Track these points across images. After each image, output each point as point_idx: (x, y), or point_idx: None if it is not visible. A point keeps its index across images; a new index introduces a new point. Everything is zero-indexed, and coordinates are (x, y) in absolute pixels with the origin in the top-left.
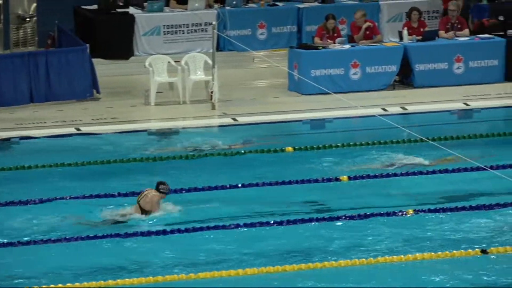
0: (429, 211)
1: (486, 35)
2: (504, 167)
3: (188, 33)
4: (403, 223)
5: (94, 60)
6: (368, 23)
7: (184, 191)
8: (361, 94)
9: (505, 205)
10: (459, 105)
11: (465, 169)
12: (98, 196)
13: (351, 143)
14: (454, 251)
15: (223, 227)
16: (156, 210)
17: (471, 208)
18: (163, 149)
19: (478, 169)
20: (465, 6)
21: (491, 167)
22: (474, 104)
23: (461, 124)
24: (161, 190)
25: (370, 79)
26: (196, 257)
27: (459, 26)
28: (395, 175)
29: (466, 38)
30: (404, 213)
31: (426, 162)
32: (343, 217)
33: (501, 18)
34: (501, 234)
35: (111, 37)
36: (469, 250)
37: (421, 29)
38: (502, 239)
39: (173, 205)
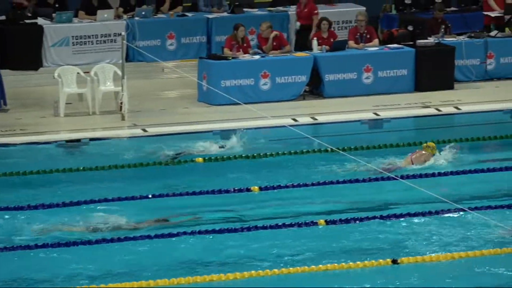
0: (340, 221)
1: (396, 45)
2: (414, 176)
3: (97, 44)
4: (315, 234)
5: (2, 71)
6: (275, 33)
7: (94, 202)
8: (271, 105)
9: (415, 215)
10: (369, 115)
11: (376, 179)
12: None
13: (261, 154)
14: (365, 261)
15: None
16: None
17: (381, 217)
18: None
19: (388, 178)
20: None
21: (402, 177)
22: (384, 114)
23: (371, 134)
24: None
25: (280, 90)
26: None
27: (368, 36)
28: (306, 185)
29: (376, 48)
30: (316, 223)
31: (339, 171)
32: (252, 228)
33: (410, 28)
34: (411, 244)
35: (19, 48)
36: (380, 260)
37: (331, 40)
38: (412, 249)
39: None
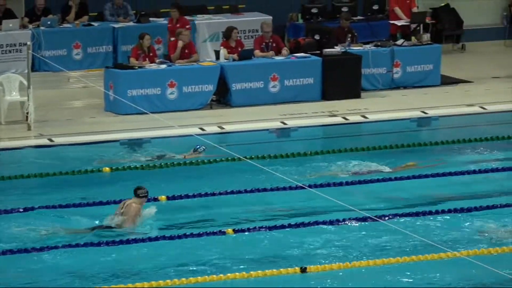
0: (248, 230)
1: (302, 54)
2: (322, 185)
3: (2, 53)
4: (223, 243)
5: None
6: (182, 42)
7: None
8: (178, 114)
9: (324, 223)
10: (277, 124)
11: (284, 188)
12: None
13: (168, 163)
14: (274, 270)
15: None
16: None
17: (290, 226)
18: None
19: (296, 188)
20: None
21: (309, 186)
22: (291, 123)
23: (279, 142)
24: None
25: (187, 99)
26: None
27: (274, 44)
28: (213, 194)
29: (282, 57)
30: (224, 232)
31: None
32: (160, 237)
33: (316, 37)
34: (320, 252)
35: None
36: (289, 269)
37: (239, 49)
38: (321, 257)
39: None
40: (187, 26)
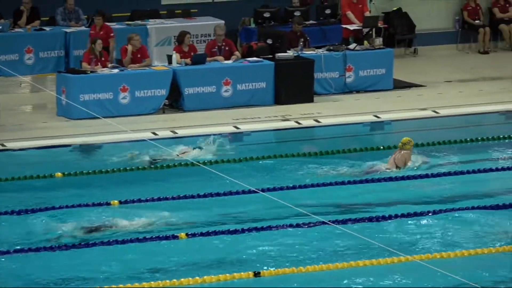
0: (201, 234)
1: (255, 58)
2: (274, 189)
3: None
4: (176, 247)
5: None
6: (131, 46)
7: None
8: (130, 118)
9: (277, 227)
10: (230, 128)
11: (237, 192)
12: None
13: (121, 168)
14: (227, 274)
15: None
16: None
17: (243, 231)
18: None
19: (250, 192)
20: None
21: (262, 190)
22: (244, 127)
23: (231, 147)
24: None
25: (139, 103)
26: None
27: (227, 48)
28: (166, 198)
29: (230, 61)
30: (177, 236)
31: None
32: (113, 241)
33: (269, 41)
34: (274, 256)
35: None
36: (242, 273)
37: (192, 53)
38: (275, 261)
39: None
40: (111, 34)
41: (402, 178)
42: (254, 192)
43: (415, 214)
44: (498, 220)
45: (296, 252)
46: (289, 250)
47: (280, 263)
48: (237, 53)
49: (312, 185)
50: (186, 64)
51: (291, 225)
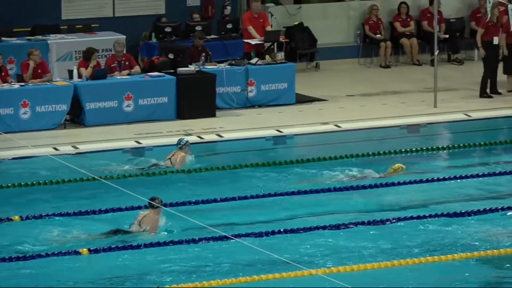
0: (104, 250)
1: (157, 73)
2: (177, 204)
3: None
4: (77, 263)
5: None
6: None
7: None
8: (31, 134)
9: (179, 242)
10: (131, 143)
11: (139, 207)
12: None
13: (22, 183)
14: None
15: None
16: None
17: (146, 245)
18: None
19: (139, 207)
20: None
21: (164, 205)
22: (145, 142)
23: (132, 161)
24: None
25: (40, 118)
26: None
27: (127, 63)
28: (68, 214)
29: (137, 76)
30: (79, 252)
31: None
32: (7, 259)
33: (170, 55)
34: (175, 271)
35: None
36: None
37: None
38: (175, 276)
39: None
40: None
41: (311, 191)
42: (158, 206)
43: (331, 227)
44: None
45: (195, 266)
46: (189, 265)
47: (182, 278)
48: (137, 67)
49: (215, 200)
50: (87, 79)
51: (193, 240)
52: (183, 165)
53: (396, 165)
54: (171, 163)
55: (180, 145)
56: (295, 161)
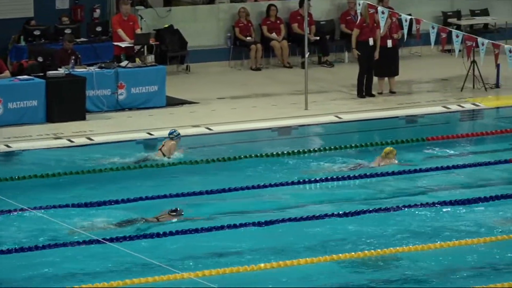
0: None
1: (26, 76)
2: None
3: None
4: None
5: None
6: None
7: None
8: None
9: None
10: (1, 147)
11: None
12: None
13: None
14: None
15: None
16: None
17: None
18: None
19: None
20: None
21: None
22: (15, 146)
23: (5, 166)
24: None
25: None
26: None
27: None
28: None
29: (5, 80)
30: None
31: None
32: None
33: (40, 59)
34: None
35: None
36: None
37: None
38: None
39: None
40: None
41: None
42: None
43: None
44: None
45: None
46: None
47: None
48: (6, 72)
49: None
50: None
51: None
52: (174, 155)
53: (387, 148)
54: (162, 153)
55: (172, 136)
56: (170, 163)
